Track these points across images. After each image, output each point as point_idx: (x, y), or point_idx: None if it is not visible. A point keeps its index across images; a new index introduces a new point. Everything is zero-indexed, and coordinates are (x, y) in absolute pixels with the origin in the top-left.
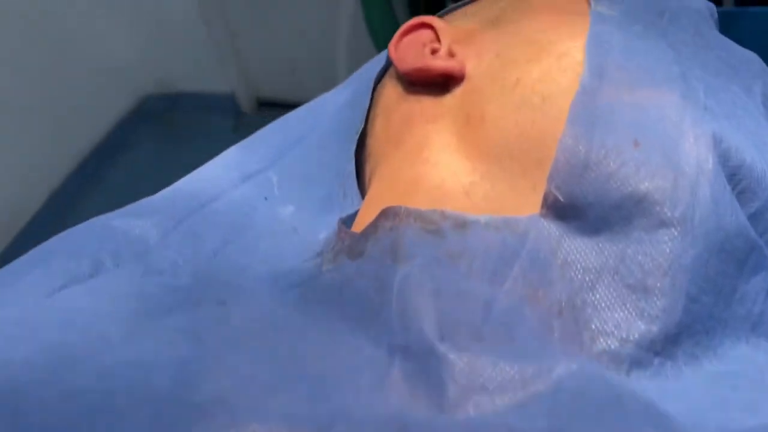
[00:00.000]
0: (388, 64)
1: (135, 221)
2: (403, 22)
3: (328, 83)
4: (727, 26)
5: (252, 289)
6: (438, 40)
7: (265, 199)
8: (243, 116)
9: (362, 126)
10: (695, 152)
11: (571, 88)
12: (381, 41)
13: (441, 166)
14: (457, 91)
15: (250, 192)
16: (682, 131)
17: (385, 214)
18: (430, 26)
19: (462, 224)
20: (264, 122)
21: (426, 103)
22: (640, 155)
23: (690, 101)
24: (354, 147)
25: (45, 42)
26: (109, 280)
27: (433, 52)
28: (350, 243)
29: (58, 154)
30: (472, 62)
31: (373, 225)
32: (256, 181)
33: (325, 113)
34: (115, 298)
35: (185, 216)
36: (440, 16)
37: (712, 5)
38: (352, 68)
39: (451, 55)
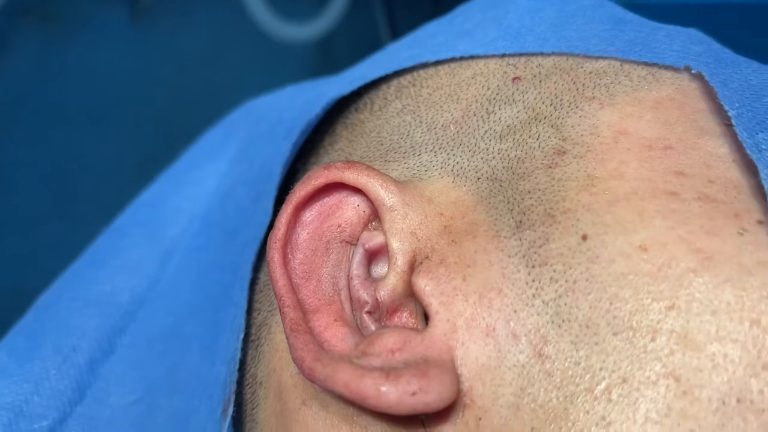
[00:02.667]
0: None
1: None
2: None
3: None
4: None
5: None
6: (377, 219)
7: None
8: (140, 2)
9: (233, 396)
10: None
11: None
12: None
13: None
14: None
15: None
16: None
17: None
18: (358, 191)
19: None
20: (166, 9)
21: None
22: None
23: None
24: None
25: None
26: None
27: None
28: None
29: None
30: (472, 353)
31: None
32: None
33: (174, 229)
34: None
35: None
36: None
37: None
38: None
39: (402, 308)
